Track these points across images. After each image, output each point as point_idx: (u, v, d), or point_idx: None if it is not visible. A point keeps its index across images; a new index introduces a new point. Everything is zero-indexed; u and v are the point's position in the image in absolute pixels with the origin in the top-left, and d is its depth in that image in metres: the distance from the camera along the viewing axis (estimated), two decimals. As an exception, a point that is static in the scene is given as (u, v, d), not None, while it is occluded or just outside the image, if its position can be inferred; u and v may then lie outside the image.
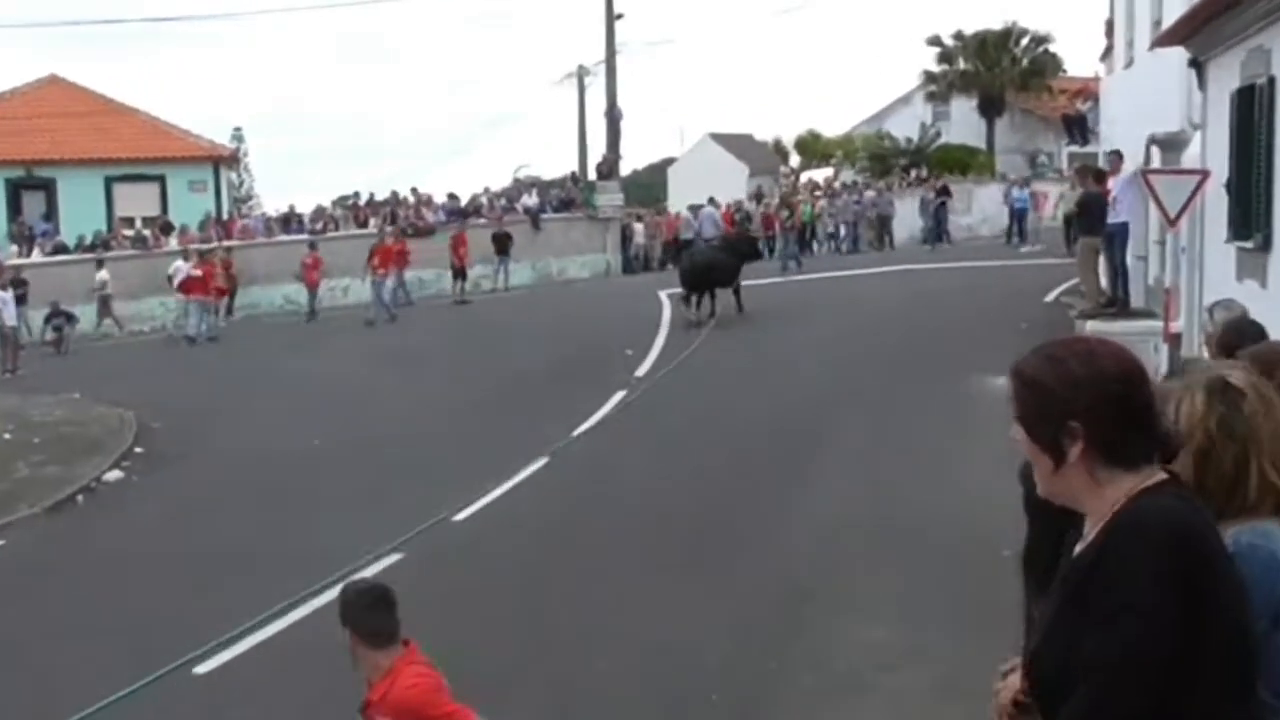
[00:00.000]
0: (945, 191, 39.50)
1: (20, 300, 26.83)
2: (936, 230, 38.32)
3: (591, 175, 39.23)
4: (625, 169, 43.74)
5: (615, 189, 37.90)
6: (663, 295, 27.42)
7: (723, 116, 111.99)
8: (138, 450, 16.76)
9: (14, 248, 32.60)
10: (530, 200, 36.81)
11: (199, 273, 27.89)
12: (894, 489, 12.32)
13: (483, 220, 35.08)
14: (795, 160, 59.35)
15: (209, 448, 16.84)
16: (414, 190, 37.36)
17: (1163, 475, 2.57)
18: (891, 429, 14.81)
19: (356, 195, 38.10)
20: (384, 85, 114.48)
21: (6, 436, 17.63)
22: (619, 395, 17.83)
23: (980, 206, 41.97)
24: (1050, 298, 23.08)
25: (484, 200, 37.10)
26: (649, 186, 58.54)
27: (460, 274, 31.16)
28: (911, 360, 18.55)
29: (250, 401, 19.79)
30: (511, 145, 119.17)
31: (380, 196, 37.61)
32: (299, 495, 14.06)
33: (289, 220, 35.93)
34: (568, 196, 37.79)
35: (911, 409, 15.55)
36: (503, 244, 33.28)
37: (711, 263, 24.03)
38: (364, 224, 35.12)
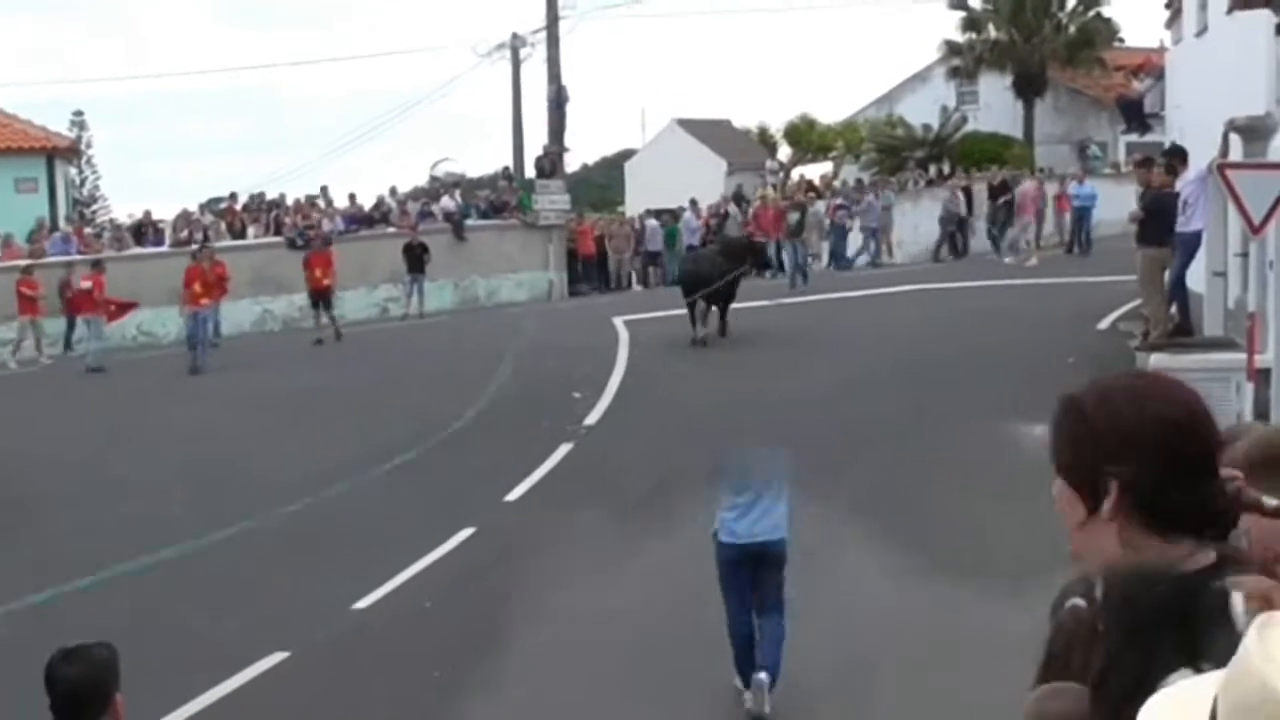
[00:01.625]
0: (1004, 189, 39.17)
1: None
2: (996, 239, 38.53)
3: (530, 172, 39.39)
4: (573, 164, 44.06)
5: (560, 189, 37.97)
6: (618, 322, 27.48)
7: (693, 99, 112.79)
8: None
9: None
10: (451, 203, 36.80)
11: (88, 285, 28.09)
12: (906, 577, 12.32)
13: (391, 229, 35.09)
14: (785, 153, 59.73)
15: (38, 519, 16.59)
16: (323, 191, 37.30)
17: (1212, 557, 2.54)
18: (905, 496, 14.84)
19: (232, 197, 38.06)
20: (269, 57, 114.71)
21: None
22: (564, 449, 17.90)
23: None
24: (1106, 324, 23.29)
25: (392, 204, 37.09)
26: (603, 186, 58.86)
27: (322, 301, 30.03)
28: (931, 403, 18.63)
29: (96, 458, 19.60)
30: (428, 135, 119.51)
31: (270, 197, 37.77)
32: (154, 580, 13.96)
33: (143, 229, 35.77)
34: (499, 199, 37.84)
35: (930, 467, 15.61)
36: (416, 258, 33.21)
37: (714, 269, 24.67)
38: (241, 232, 35.05)
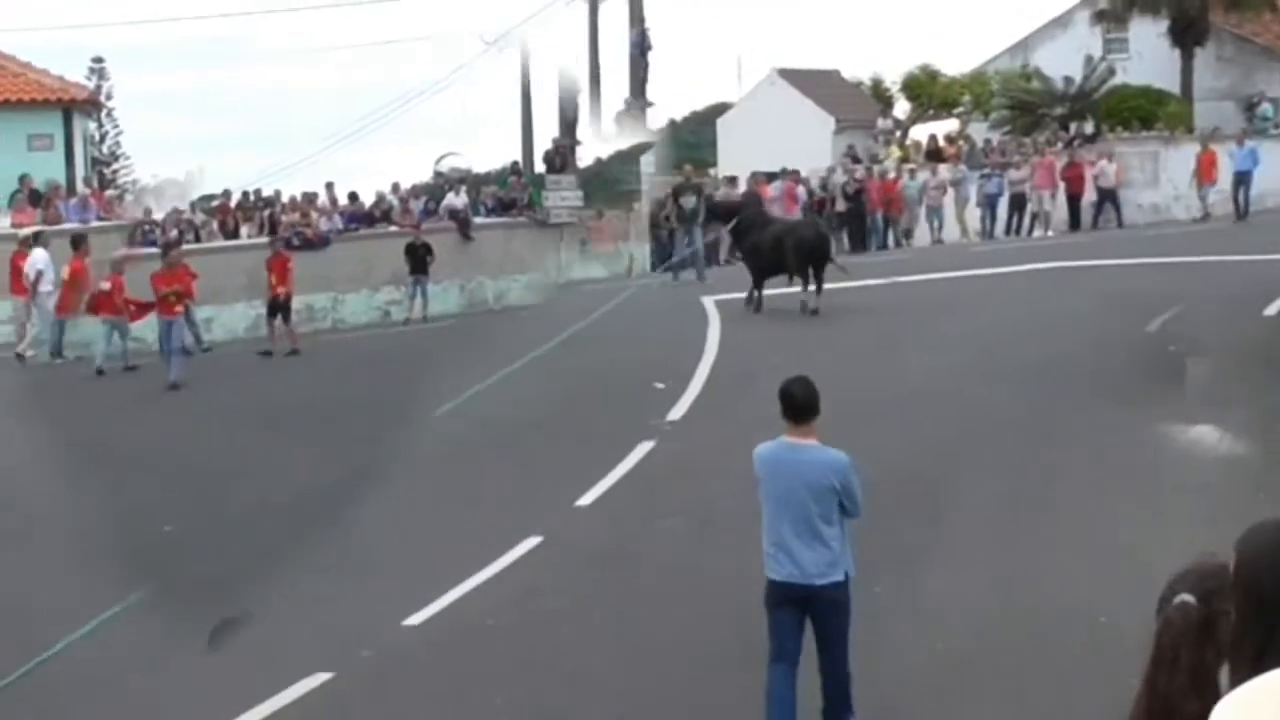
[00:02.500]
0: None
1: None
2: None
3: (539, 167, 39.70)
4: (658, 119, 44.09)
5: (571, 184, 38.52)
6: (708, 303, 27.62)
7: (797, 47, 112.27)
8: None
9: None
10: (457, 200, 37.31)
11: (107, 285, 28.70)
12: (1034, 583, 12.39)
13: (393, 228, 35.68)
14: (903, 108, 59.44)
15: (51, 522, 16.93)
16: (328, 188, 37.90)
17: None
18: (1036, 499, 14.88)
19: (226, 194, 38.69)
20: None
21: None
22: (644, 448, 17.98)
23: (1171, 176, 42.09)
24: (1273, 310, 23.10)
25: (393, 201, 37.56)
26: (692, 145, 58.87)
27: (279, 309, 30.15)
28: (1066, 397, 18.60)
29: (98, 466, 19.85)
30: (431, 128, 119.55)
31: (266, 193, 38.40)
32: (186, 596, 14.19)
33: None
34: (508, 196, 38.40)
35: (1063, 471, 15.63)
36: (419, 259, 33.60)
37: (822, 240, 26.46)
38: (234, 232, 35.58)
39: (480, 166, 45.77)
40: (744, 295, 27.10)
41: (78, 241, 29.21)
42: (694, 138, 61.99)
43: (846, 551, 9.50)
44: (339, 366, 26.89)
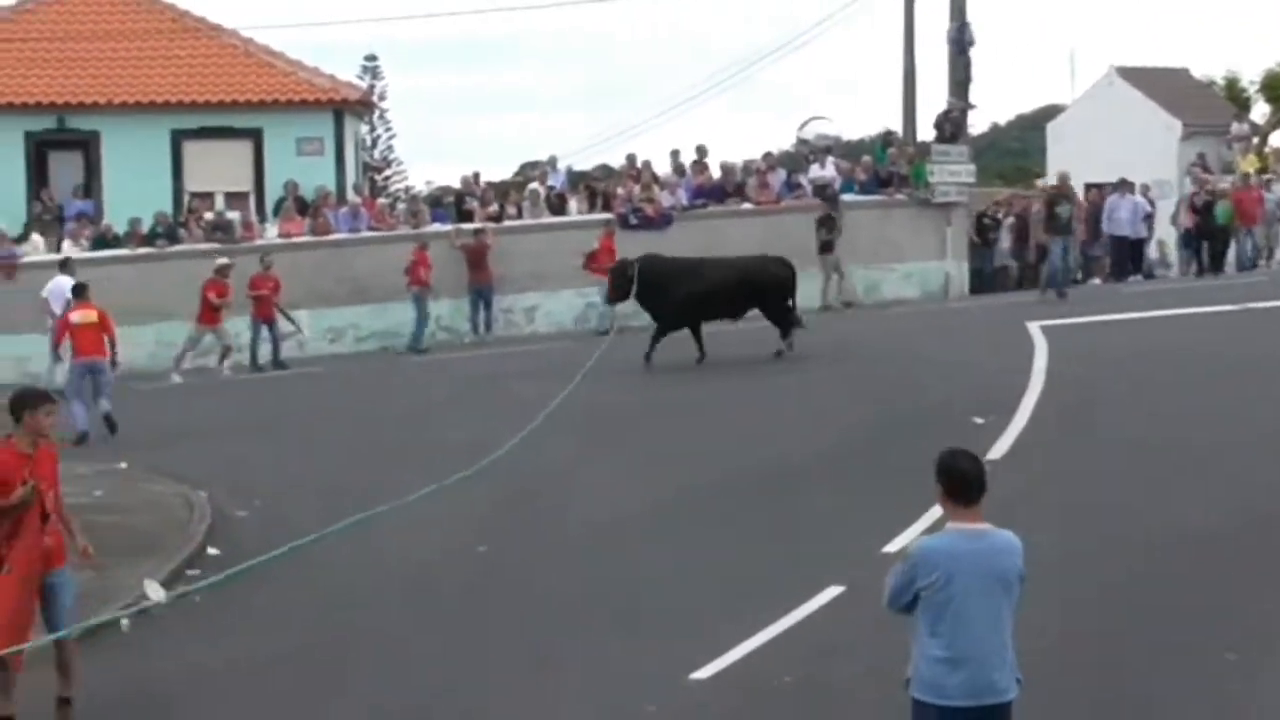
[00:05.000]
0: None
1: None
2: None
3: (923, 135, 39.03)
4: (979, 124, 43.54)
5: (963, 157, 37.46)
6: (1033, 329, 27.13)
7: (1139, 42, 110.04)
8: (212, 551, 17.46)
9: (37, 238, 34.19)
10: (824, 172, 36.59)
11: (265, 291, 30.24)
12: None
13: (745, 205, 35.23)
14: (1262, 111, 57.92)
15: (319, 549, 17.07)
16: (673, 156, 37.43)
17: None
18: None
19: (552, 162, 38.85)
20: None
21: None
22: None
23: None
24: None
25: (746, 172, 36.93)
26: (1015, 153, 58.19)
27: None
28: None
29: (363, 475, 20.42)
30: (794, 89, 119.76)
31: (589, 167, 38.49)
32: (468, 637, 14.31)
33: (439, 202, 36.74)
34: (884, 170, 37.39)
35: None
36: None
37: None
38: (559, 208, 35.64)
39: (850, 133, 45.04)
40: (1075, 319, 26.53)
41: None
42: (1019, 144, 61.30)
43: None
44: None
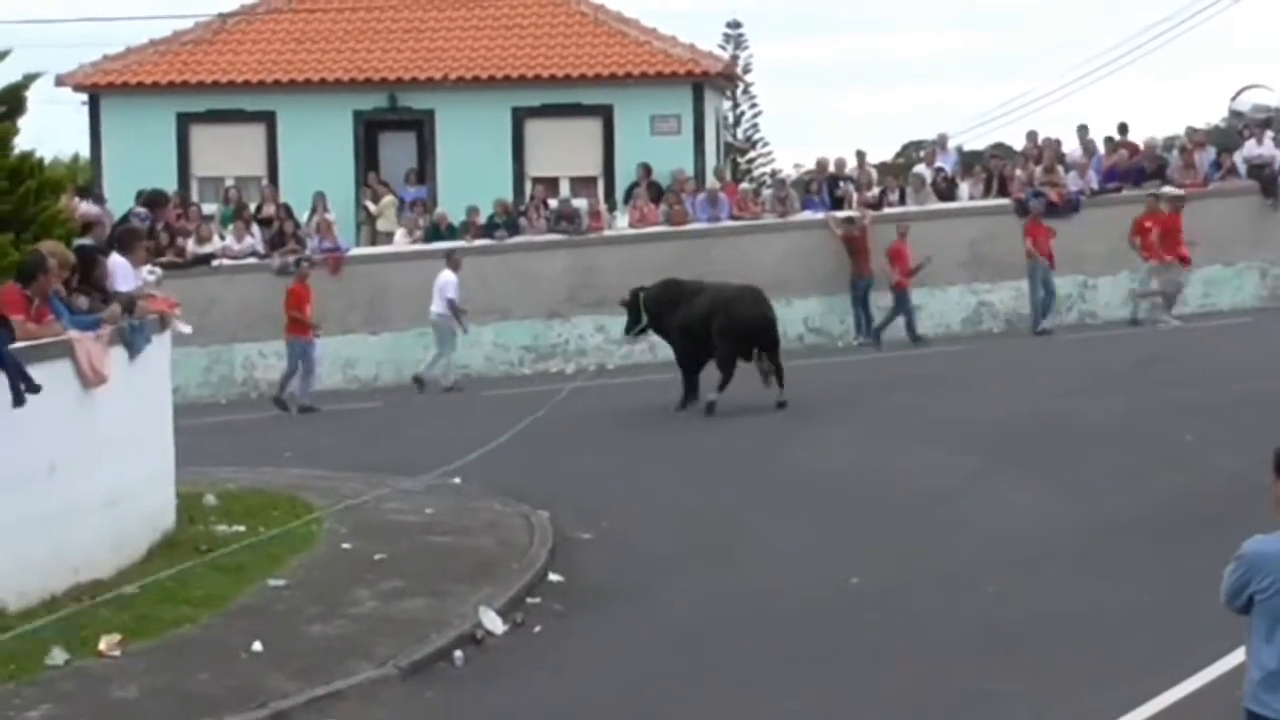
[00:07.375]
0: None
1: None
2: None
3: None
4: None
5: None
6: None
7: None
8: (554, 578, 17.49)
9: (401, 233, 34.71)
10: (1263, 150, 35.33)
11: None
12: None
13: (1167, 188, 34.26)
14: None
15: (674, 579, 17.31)
16: (1080, 131, 36.81)
17: None
18: None
19: (941, 141, 38.49)
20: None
21: (345, 546, 18.48)
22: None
23: None
24: None
25: (1167, 149, 35.98)
26: None
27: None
28: None
29: (727, 497, 20.49)
30: (1219, 52, 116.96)
31: (972, 146, 37.95)
32: (826, 683, 14.05)
33: (810, 186, 36.51)
34: None
35: None
36: None
37: None
38: (949, 193, 35.21)
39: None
40: None
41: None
42: None
43: None
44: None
